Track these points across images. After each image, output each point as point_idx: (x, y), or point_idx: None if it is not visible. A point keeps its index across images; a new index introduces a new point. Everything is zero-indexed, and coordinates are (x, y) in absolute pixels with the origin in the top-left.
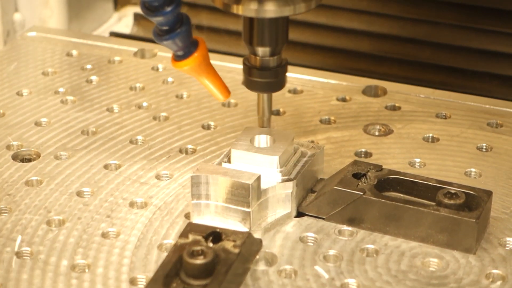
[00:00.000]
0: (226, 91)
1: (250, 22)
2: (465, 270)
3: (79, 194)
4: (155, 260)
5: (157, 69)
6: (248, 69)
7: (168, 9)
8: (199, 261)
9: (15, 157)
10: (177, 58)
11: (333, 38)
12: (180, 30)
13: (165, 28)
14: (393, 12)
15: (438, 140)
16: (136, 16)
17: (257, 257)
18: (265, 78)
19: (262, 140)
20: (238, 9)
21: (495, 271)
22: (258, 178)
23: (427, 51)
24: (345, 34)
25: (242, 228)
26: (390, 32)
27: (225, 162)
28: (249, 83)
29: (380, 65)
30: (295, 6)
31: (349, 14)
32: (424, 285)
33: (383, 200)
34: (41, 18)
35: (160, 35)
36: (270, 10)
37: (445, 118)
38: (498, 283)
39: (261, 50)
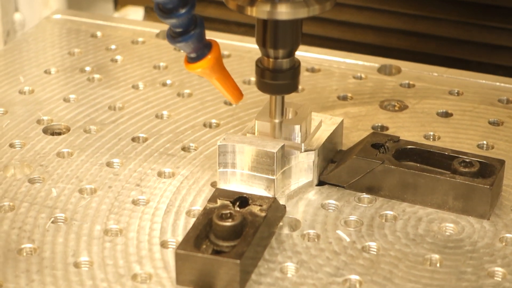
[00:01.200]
0: (239, 93)
1: (264, 24)
2: (480, 234)
3: (109, 164)
4: (183, 225)
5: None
6: (261, 71)
7: (182, 11)
8: (228, 223)
9: (45, 131)
10: (190, 60)
11: (339, 31)
12: (194, 32)
13: (178, 30)
14: (397, 9)
15: (451, 115)
16: (147, 9)
17: (281, 223)
18: (278, 80)
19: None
20: (252, 11)
21: (508, 235)
22: (282, 147)
23: (432, 44)
24: (351, 28)
25: (267, 195)
26: (395, 26)
27: (250, 133)
28: (261, 85)
29: (386, 56)
30: (309, 8)
31: (354, 10)
32: (441, 247)
33: (401, 169)
34: (41, 18)
35: (173, 37)
36: (285, 12)
37: (458, 95)
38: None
39: (274, 52)
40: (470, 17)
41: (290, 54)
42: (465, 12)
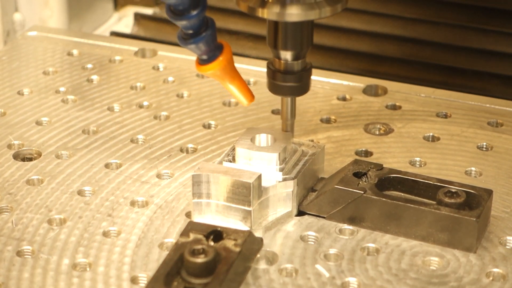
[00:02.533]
0: (250, 95)
1: (274, 25)
2: (466, 269)
3: (80, 193)
4: (156, 258)
5: (158, 69)
6: (272, 73)
7: (194, 12)
8: (200, 259)
9: (16, 156)
10: (201, 62)
11: (334, 37)
12: (205, 34)
13: (190, 32)
14: (394, 12)
15: (438, 139)
16: (136, 16)
17: (258, 256)
18: (289, 82)
19: (263, 139)
20: (263, 13)
21: (495, 269)
22: (259, 177)
23: (428, 51)
24: (345, 34)
25: (243, 227)
26: (390, 32)
27: (226, 161)
28: (273, 87)
29: (381, 65)
30: (320, 10)
31: (350, 14)
32: (424, 283)
33: (383, 199)
34: (41, 18)
35: (185, 39)
36: (295, 14)
37: (446, 117)
38: None
39: (285, 54)
40: (466, 21)
41: (301, 56)
42: (461, 16)
